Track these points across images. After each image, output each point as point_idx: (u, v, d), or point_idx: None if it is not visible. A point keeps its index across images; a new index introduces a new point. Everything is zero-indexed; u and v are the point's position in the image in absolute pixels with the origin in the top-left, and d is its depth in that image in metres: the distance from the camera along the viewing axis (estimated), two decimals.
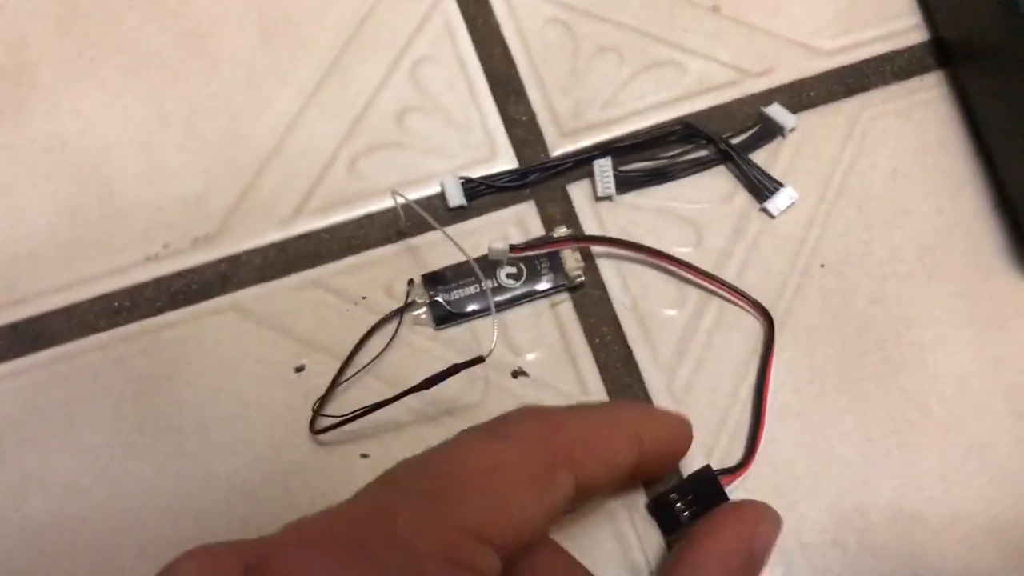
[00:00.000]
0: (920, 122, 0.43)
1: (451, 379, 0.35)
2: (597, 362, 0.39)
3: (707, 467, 0.36)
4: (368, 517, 0.25)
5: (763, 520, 0.32)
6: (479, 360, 0.35)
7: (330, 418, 0.37)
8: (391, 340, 0.39)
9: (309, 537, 0.25)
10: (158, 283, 0.41)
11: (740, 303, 0.40)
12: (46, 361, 0.40)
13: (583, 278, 0.40)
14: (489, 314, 0.39)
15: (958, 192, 0.42)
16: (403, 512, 0.25)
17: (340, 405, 0.38)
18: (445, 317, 0.40)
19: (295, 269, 0.41)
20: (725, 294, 0.40)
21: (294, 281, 0.41)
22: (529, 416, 0.29)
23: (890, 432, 0.38)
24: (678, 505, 0.35)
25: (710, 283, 0.40)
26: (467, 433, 0.29)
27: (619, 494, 0.37)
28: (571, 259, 0.40)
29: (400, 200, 0.40)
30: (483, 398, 0.39)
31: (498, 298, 0.40)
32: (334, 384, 0.38)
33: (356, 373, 0.39)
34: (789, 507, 0.37)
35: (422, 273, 0.40)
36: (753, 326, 0.40)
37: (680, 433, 0.35)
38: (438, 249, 0.41)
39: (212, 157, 0.43)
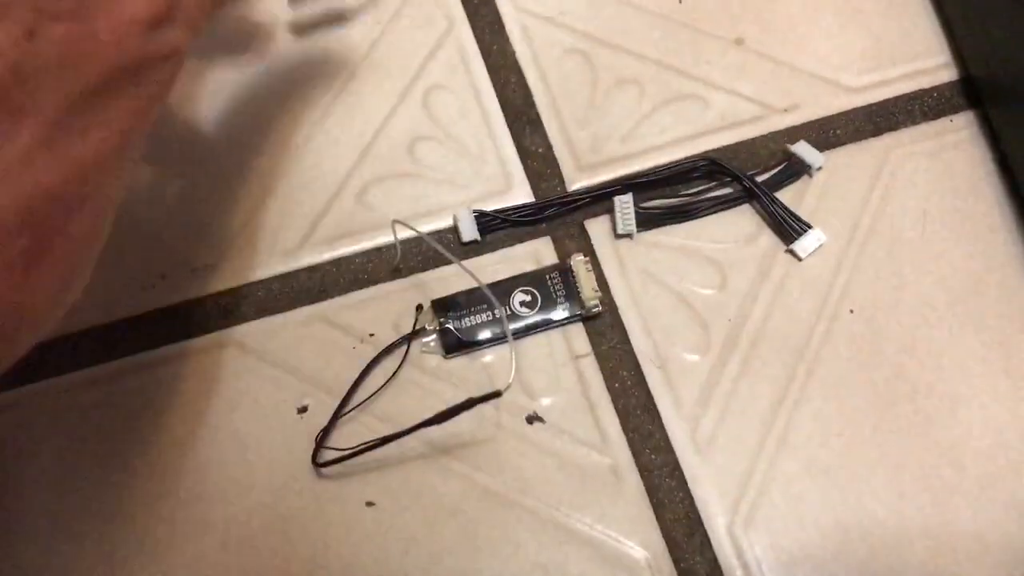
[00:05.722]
0: (950, 164, 0.42)
1: (462, 423, 0.33)
2: (616, 408, 0.37)
3: None
4: None
5: None
6: (496, 395, 0.33)
7: (334, 451, 0.35)
8: (400, 364, 0.37)
9: None
10: (154, 315, 0.39)
11: None
12: (30, 396, 0.37)
13: (600, 308, 0.38)
14: (501, 344, 0.38)
15: (990, 237, 0.41)
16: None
17: (341, 443, 0.36)
18: (456, 345, 0.38)
19: (299, 303, 0.39)
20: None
21: (298, 316, 0.39)
22: None
23: (923, 489, 0.36)
24: None
25: None
26: None
27: None
28: (588, 287, 0.38)
29: (402, 232, 0.38)
30: (496, 443, 0.37)
31: (513, 326, 0.38)
32: (339, 412, 0.36)
33: (363, 402, 0.37)
34: (817, 567, 0.35)
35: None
36: (780, 374, 0.38)
37: None
38: (448, 284, 0.39)
39: (213, 185, 0.41)
